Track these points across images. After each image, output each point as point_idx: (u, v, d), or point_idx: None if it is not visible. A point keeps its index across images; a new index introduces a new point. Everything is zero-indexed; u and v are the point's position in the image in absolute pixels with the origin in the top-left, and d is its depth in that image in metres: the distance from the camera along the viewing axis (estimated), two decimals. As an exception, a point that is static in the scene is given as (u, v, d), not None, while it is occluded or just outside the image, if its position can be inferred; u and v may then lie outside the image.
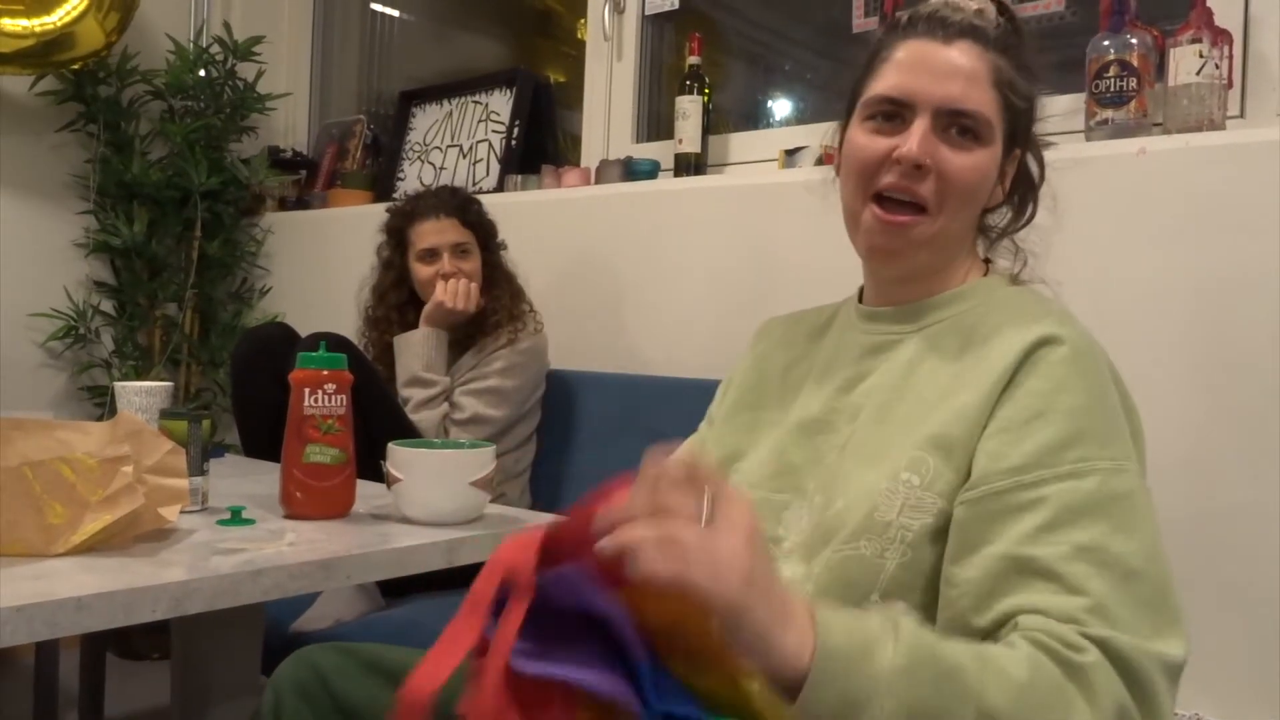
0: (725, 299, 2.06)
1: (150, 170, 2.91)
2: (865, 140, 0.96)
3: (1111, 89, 1.64)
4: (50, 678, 1.99)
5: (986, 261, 1.05)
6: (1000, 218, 1.04)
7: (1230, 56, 1.58)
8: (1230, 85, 1.58)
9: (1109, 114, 1.64)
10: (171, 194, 2.93)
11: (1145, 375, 1.52)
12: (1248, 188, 1.46)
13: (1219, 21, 1.58)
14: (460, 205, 2.10)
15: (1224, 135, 1.54)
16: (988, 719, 0.67)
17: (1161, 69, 1.63)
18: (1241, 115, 1.61)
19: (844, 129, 1.03)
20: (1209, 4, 1.58)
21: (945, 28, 0.94)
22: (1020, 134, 0.99)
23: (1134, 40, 1.63)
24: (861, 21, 2.07)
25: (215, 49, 3.01)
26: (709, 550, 0.60)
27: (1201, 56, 1.55)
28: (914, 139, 0.92)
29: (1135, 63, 1.63)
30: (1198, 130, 1.56)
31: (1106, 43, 1.65)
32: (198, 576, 0.94)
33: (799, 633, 0.64)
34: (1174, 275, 1.52)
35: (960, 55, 0.93)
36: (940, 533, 0.84)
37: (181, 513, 1.14)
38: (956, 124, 0.93)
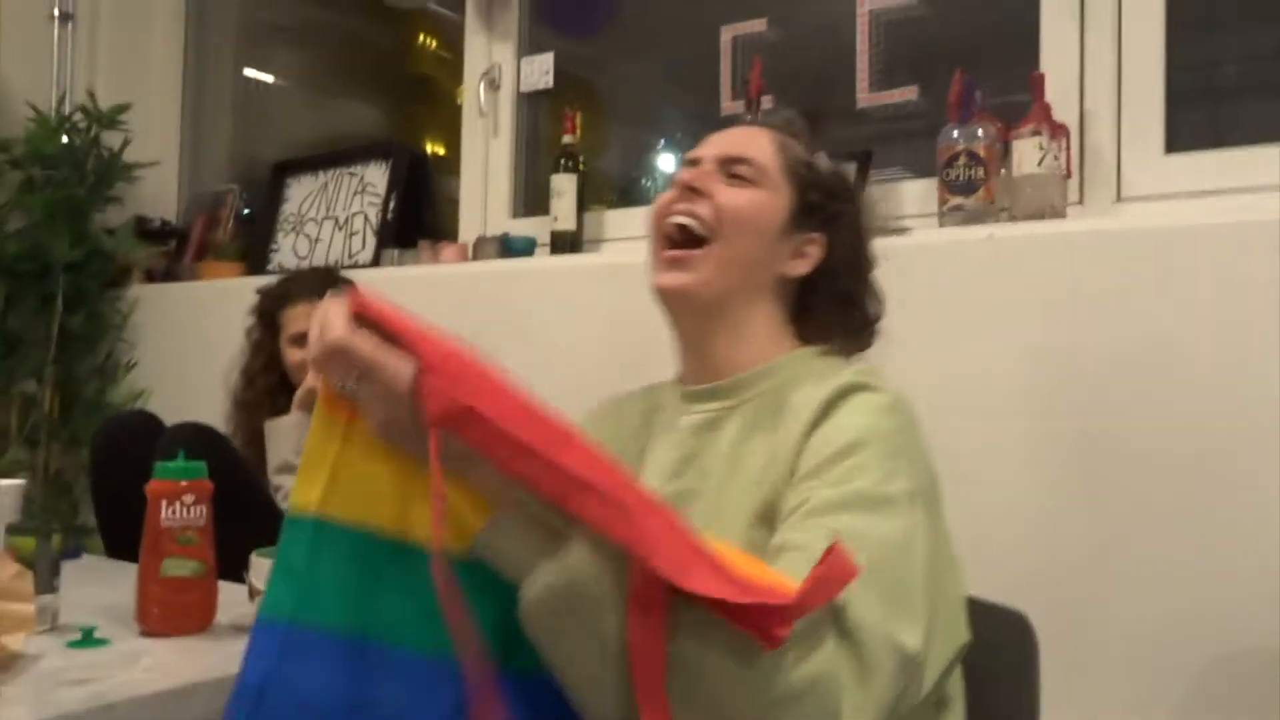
0: (600, 378, 2.05)
1: (7, 242, 2.79)
2: (662, 196, 1.11)
3: (961, 177, 1.72)
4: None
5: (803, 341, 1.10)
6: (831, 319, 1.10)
7: (1068, 149, 1.68)
8: (1069, 175, 1.68)
9: (960, 200, 1.72)
10: (30, 266, 2.82)
11: (990, 448, 1.58)
12: (1086, 273, 1.55)
13: (1057, 116, 1.68)
14: (333, 288, 2.07)
15: (1064, 223, 1.63)
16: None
17: (1007, 158, 1.72)
18: (1081, 202, 1.71)
19: None
20: (1047, 99, 1.68)
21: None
22: (815, 213, 1.08)
23: (980, 131, 1.72)
24: (729, 104, 2.12)
25: (79, 117, 2.92)
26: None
27: (1042, 149, 1.65)
28: (692, 170, 1.08)
29: (982, 153, 1.71)
30: (1040, 217, 1.65)
31: (955, 133, 1.73)
32: (41, 717, 0.90)
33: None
34: (1019, 355, 1.59)
35: (746, 127, 1.14)
36: None
37: (30, 635, 1.09)
38: (731, 170, 1.07)
